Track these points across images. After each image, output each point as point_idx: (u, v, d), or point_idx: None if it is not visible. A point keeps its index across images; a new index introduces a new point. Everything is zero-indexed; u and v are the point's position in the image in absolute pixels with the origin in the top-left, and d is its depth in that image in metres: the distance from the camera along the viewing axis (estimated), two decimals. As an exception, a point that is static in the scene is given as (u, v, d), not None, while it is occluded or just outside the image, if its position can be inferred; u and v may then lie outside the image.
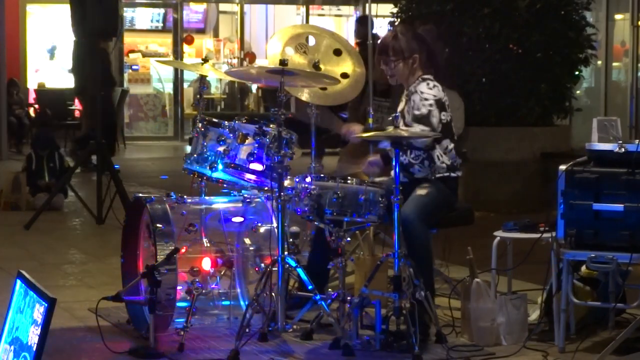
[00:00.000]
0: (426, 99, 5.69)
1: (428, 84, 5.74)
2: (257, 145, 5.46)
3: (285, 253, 5.29)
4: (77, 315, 5.99)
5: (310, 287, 5.31)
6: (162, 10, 21.03)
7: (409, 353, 5.03)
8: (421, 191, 5.62)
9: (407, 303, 5.12)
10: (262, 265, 5.46)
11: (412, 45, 5.81)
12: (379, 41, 6.36)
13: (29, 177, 10.67)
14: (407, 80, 5.83)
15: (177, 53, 20.41)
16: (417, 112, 5.70)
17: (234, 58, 21.25)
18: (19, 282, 3.98)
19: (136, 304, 5.45)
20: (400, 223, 5.25)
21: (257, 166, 5.49)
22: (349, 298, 5.34)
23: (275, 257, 5.27)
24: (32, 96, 18.92)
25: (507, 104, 10.73)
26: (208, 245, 5.56)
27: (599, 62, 15.68)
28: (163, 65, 20.70)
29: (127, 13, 20.45)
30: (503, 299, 5.46)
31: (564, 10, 10.97)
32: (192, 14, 21.52)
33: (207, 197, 5.79)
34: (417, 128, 5.58)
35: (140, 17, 21.06)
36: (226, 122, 5.63)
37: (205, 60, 6.23)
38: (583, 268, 5.62)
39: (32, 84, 19.49)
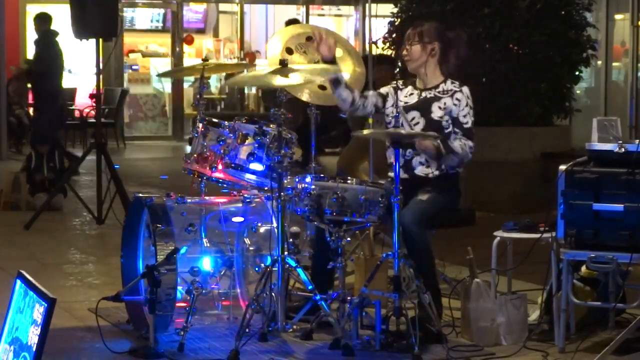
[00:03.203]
0: (471, 108, 5.75)
1: (467, 87, 5.80)
2: (257, 145, 5.47)
3: (285, 253, 5.29)
4: (77, 315, 5.99)
5: (310, 287, 5.31)
6: (162, 10, 21.00)
7: (409, 353, 5.03)
8: (422, 196, 5.60)
9: (407, 303, 5.12)
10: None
11: (436, 34, 5.81)
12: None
13: (28, 174, 10.63)
14: (422, 67, 5.80)
15: (177, 53, 20.39)
16: (465, 125, 5.73)
17: (234, 58, 21.22)
18: (18, 282, 3.98)
19: (136, 304, 5.44)
20: (400, 226, 5.24)
21: (257, 166, 5.49)
22: (349, 298, 5.34)
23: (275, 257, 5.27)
24: (31, 96, 18.87)
25: (507, 104, 10.72)
26: (208, 245, 5.56)
27: (599, 62, 15.66)
28: (163, 66, 20.63)
29: (127, 13, 20.42)
30: (503, 299, 5.46)
31: (564, 10, 10.96)
32: (192, 14, 21.49)
33: (207, 197, 5.79)
34: (460, 142, 5.67)
35: (140, 17, 21.02)
36: (226, 122, 5.63)
37: (205, 60, 6.23)
38: (583, 268, 5.61)
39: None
